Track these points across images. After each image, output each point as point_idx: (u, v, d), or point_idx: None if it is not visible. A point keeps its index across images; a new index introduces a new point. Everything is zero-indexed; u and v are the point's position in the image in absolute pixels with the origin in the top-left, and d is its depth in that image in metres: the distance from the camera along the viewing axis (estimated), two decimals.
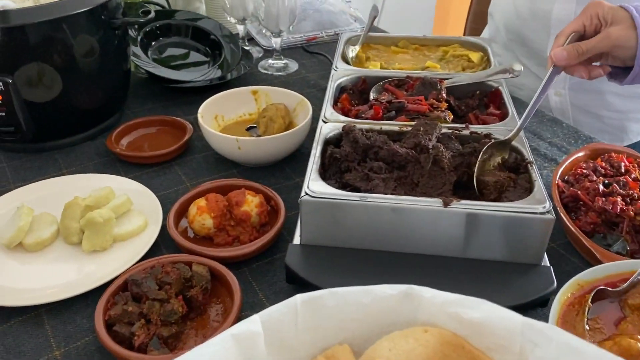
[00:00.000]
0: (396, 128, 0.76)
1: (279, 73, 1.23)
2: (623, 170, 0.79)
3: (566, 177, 0.80)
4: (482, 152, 0.68)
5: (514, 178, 0.67)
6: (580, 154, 0.84)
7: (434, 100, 0.82)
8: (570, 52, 0.69)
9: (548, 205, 0.61)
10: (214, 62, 1.19)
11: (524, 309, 0.61)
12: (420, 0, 2.55)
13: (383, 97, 0.82)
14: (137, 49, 1.10)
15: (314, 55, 1.33)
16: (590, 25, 0.71)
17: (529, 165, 0.69)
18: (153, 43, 1.17)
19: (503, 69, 0.86)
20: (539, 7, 1.02)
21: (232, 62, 1.17)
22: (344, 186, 0.68)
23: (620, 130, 1.11)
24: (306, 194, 0.63)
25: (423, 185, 0.69)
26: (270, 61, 1.26)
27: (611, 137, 1.11)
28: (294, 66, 1.26)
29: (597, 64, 0.75)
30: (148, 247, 0.71)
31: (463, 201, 0.62)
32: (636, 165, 0.81)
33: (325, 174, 0.71)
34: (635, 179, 0.77)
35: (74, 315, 0.64)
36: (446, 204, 0.61)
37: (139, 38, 1.13)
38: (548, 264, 0.64)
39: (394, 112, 0.80)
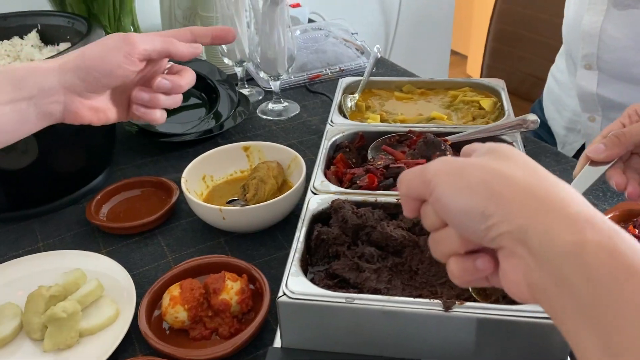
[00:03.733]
0: (393, 200, 0.67)
1: (279, 117, 1.16)
2: None
3: None
4: None
5: None
6: (610, 215, 0.74)
7: None
8: (608, 142, 0.58)
9: None
10: (210, 109, 1.12)
11: None
12: (435, 25, 2.42)
13: (380, 162, 0.73)
14: None
15: (316, 95, 1.25)
16: (630, 123, 0.61)
17: None
18: None
19: (517, 122, 0.76)
20: None
21: (229, 110, 1.10)
22: (331, 276, 0.60)
23: None
24: (284, 294, 0.55)
25: (423, 274, 0.60)
26: (270, 105, 1.19)
27: None
28: (295, 109, 1.18)
29: None
30: (118, 343, 0.64)
31: (467, 303, 0.53)
32: None
33: (311, 258, 0.63)
34: None
35: None
36: (447, 308, 0.52)
37: None
38: None
39: (391, 180, 0.71)
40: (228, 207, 0.77)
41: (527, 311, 0.51)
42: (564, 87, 1.12)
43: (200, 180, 0.87)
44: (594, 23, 0.93)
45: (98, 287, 0.69)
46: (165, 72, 0.64)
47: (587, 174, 0.60)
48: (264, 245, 0.80)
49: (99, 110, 0.60)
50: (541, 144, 1.01)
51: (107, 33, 0.98)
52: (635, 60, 0.91)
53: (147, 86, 0.62)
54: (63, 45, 0.95)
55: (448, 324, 0.53)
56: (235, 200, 0.82)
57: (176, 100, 0.64)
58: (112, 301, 0.69)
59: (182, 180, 0.82)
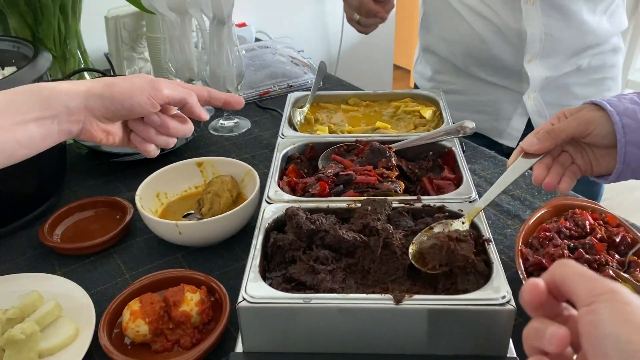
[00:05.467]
0: (344, 205, 0.71)
1: (231, 134, 1.18)
2: (588, 229, 0.75)
3: (530, 241, 0.76)
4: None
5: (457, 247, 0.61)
6: (543, 211, 0.80)
7: (384, 169, 0.77)
8: (540, 137, 0.64)
9: (507, 294, 0.56)
10: None
11: None
12: (377, 41, 2.50)
13: (330, 170, 0.77)
14: None
15: (267, 111, 1.28)
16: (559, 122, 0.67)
17: (486, 243, 0.64)
18: None
19: (454, 128, 0.82)
20: (510, 27, 1.03)
21: None
22: (288, 280, 0.62)
23: None
24: (244, 299, 0.57)
25: (375, 272, 0.63)
26: (221, 121, 1.21)
27: None
28: (246, 124, 1.21)
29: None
30: None
31: (416, 295, 0.56)
32: (601, 222, 0.77)
33: (269, 264, 0.65)
34: (601, 239, 0.73)
35: None
36: (398, 301, 0.56)
37: None
38: (514, 354, 0.59)
39: (342, 186, 0.75)
40: (184, 221, 0.79)
41: (472, 299, 0.56)
42: None
43: (155, 198, 0.88)
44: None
45: (56, 307, 0.69)
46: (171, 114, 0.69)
47: (519, 164, 0.67)
48: (221, 257, 0.82)
49: (109, 133, 0.64)
50: (479, 148, 1.08)
51: (53, 57, 0.99)
52: None
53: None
54: (8, 70, 0.94)
55: (400, 317, 0.56)
56: (191, 214, 0.84)
57: (167, 141, 0.68)
58: (71, 320, 0.69)
59: (137, 198, 0.83)
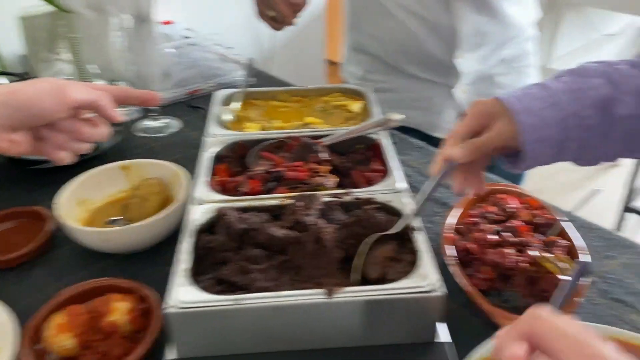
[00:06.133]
0: (276, 202, 0.70)
1: (159, 135, 1.15)
2: (512, 213, 0.78)
3: (457, 227, 0.78)
4: (363, 246, 0.64)
5: (398, 258, 0.63)
6: (469, 197, 0.82)
7: (314, 164, 0.77)
8: (465, 149, 0.65)
9: (434, 280, 0.57)
10: None
11: None
12: (308, 36, 2.51)
13: (260, 167, 0.76)
14: None
15: (196, 109, 1.26)
16: (478, 126, 0.68)
17: (415, 232, 0.65)
18: None
19: (381, 121, 0.83)
20: (441, 23, 1.05)
21: None
22: (220, 282, 0.61)
23: None
24: (171, 305, 0.55)
25: (308, 268, 0.63)
26: (148, 123, 1.17)
27: None
28: (175, 125, 1.18)
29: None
30: None
31: (348, 288, 0.57)
32: (524, 205, 0.80)
33: (200, 268, 0.64)
34: (524, 222, 0.76)
35: None
36: (330, 295, 0.56)
37: None
38: (443, 340, 0.60)
39: (273, 183, 0.74)
40: (109, 228, 0.76)
41: (400, 288, 0.57)
42: None
43: (78, 205, 0.84)
44: None
45: None
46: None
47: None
48: (153, 263, 0.79)
49: (14, 142, 0.60)
50: (408, 139, 1.10)
51: None
52: None
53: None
54: None
55: (333, 310, 0.57)
56: (116, 220, 0.81)
57: (81, 147, 0.65)
58: None
59: (56, 207, 0.79)
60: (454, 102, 1.16)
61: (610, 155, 0.65)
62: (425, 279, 0.57)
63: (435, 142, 1.20)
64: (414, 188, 0.77)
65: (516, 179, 1.26)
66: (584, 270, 0.60)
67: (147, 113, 1.20)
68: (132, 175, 0.90)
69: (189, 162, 1.03)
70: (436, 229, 0.86)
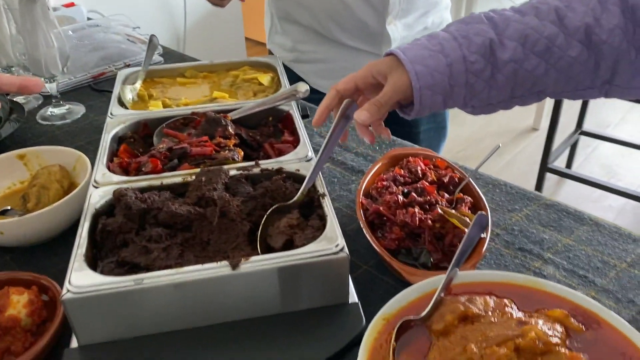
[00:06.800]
0: (179, 180, 0.68)
1: (63, 121, 1.09)
2: (420, 175, 0.80)
3: (370, 192, 0.79)
4: (265, 217, 0.63)
5: (303, 225, 0.62)
6: (380, 163, 0.83)
7: (221, 139, 0.75)
8: (371, 110, 0.65)
9: (340, 243, 0.57)
10: None
11: (343, 353, 0.57)
12: (224, 14, 2.44)
13: (162, 145, 0.73)
14: None
15: (103, 93, 1.20)
16: (365, 85, 0.69)
17: (321, 198, 0.65)
18: None
19: (289, 92, 0.82)
20: None
21: None
22: (121, 265, 0.59)
23: None
24: (68, 291, 0.52)
25: (215, 243, 0.62)
26: (50, 109, 1.11)
27: None
28: (79, 110, 1.12)
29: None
30: None
31: (253, 258, 0.56)
32: (432, 167, 0.82)
33: (100, 252, 0.61)
34: (432, 182, 0.78)
35: None
36: (234, 266, 0.55)
37: None
38: (356, 300, 0.61)
39: (176, 161, 0.72)
40: (3, 219, 0.71)
41: (306, 252, 0.56)
42: None
43: None
44: None
45: None
46: None
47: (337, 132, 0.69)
48: (57, 253, 0.75)
49: None
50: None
51: None
52: None
53: None
54: None
55: (241, 282, 0.56)
56: (10, 210, 0.76)
57: None
58: None
59: None
60: None
61: (498, 101, 0.67)
62: (331, 241, 0.57)
63: None
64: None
65: (437, 146, 1.30)
66: (481, 221, 0.62)
67: (49, 100, 1.13)
68: (31, 164, 0.85)
69: (95, 148, 0.98)
70: (352, 196, 0.87)
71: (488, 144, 2.95)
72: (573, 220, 0.78)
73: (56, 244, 0.76)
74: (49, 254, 0.75)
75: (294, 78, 1.20)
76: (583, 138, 2.61)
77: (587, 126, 2.55)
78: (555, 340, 0.52)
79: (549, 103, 2.78)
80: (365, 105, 0.67)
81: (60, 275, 0.70)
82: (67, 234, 0.78)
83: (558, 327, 0.54)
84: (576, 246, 0.74)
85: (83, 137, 1.03)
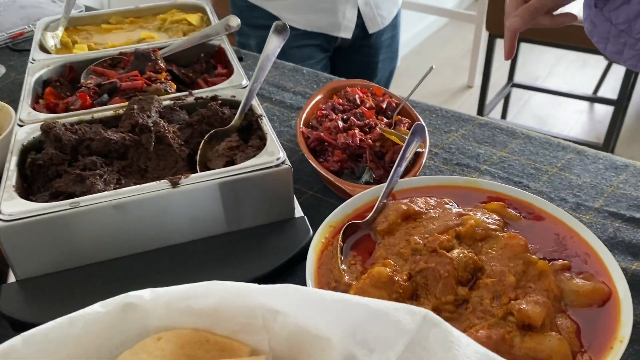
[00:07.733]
0: (110, 113, 0.66)
1: None
2: (359, 102, 0.80)
3: (310, 122, 0.79)
4: (202, 142, 0.62)
5: (242, 147, 0.62)
6: (319, 96, 0.83)
7: (152, 73, 0.73)
8: (523, 16, 0.64)
9: (282, 155, 0.57)
10: None
11: (291, 265, 0.57)
12: None
13: (90, 82, 0.70)
14: None
15: (23, 53, 1.13)
16: None
17: (259, 119, 0.64)
18: None
19: (220, 26, 0.80)
20: None
21: None
22: (55, 196, 0.56)
23: None
24: (0, 220, 0.50)
25: (153, 169, 0.60)
26: None
27: None
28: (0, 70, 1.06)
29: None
30: None
31: (193, 175, 0.55)
32: (370, 95, 0.83)
33: (31, 187, 0.58)
34: (370, 107, 0.79)
35: None
36: (174, 184, 0.54)
37: None
38: (302, 214, 0.61)
39: (106, 96, 0.69)
40: None
41: (248, 166, 0.56)
42: None
43: None
44: None
45: None
46: None
47: None
48: None
49: None
50: None
51: None
52: None
53: None
54: None
55: (184, 200, 0.55)
56: None
57: None
58: None
59: None
60: (354, 1, 1.18)
61: None
62: (272, 155, 0.57)
63: (337, 44, 1.22)
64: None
65: (390, 75, 1.35)
66: (418, 129, 0.64)
67: None
68: None
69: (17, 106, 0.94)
70: (293, 131, 0.86)
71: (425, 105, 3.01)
72: (506, 135, 0.81)
73: None
74: None
75: (265, 16, 1.18)
76: (515, 91, 2.70)
77: (517, 79, 2.65)
78: (493, 227, 0.54)
79: (480, 61, 2.85)
80: (518, 11, 0.65)
81: None
82: None
83: (495, 217, 0.56)
84: (510, 157, 0.77)
85: (6, 96, 0.97)
